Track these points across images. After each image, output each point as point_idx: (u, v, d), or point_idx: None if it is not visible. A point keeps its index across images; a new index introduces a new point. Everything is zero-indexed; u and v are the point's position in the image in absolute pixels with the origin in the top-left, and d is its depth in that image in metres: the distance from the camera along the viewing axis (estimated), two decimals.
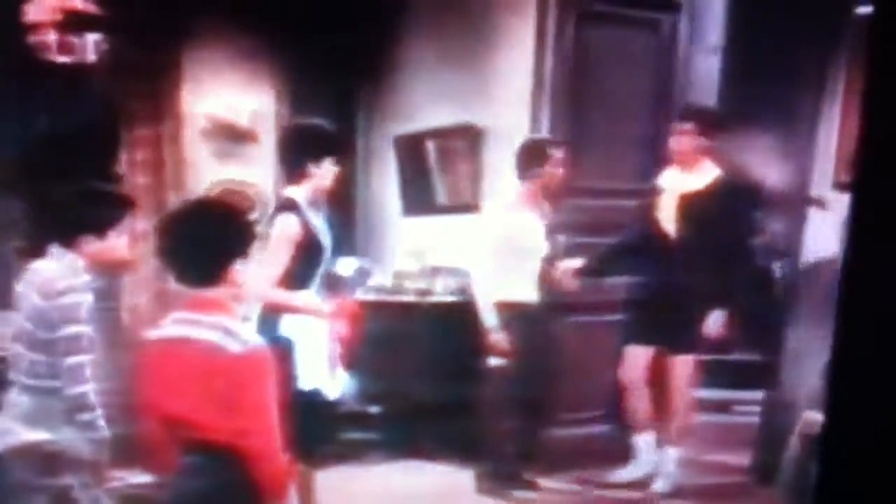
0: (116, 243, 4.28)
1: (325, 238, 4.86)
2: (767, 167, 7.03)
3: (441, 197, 7.82)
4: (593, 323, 6.58)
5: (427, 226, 7.67)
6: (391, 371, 7.02)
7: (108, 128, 6.85)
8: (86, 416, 4.06)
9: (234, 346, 3.22)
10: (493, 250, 6.02)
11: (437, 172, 7.84)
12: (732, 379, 8.07)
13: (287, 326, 4.73)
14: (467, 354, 6.33)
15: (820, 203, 6.38)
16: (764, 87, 7.16)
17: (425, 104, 7.78)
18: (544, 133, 6.80)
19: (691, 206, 5.92)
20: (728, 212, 5.89)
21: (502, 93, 7.16)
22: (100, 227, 4.25)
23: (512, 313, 6.05)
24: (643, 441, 6.31)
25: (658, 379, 6.21)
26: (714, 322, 5.99)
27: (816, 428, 5.51)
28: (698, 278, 5.89)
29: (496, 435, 6.29)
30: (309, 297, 4.82)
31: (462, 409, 6.50)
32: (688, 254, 5.93)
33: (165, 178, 7.36)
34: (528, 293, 6.11)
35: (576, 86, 6.92)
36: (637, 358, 6.24)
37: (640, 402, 6.30)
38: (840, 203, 6.17)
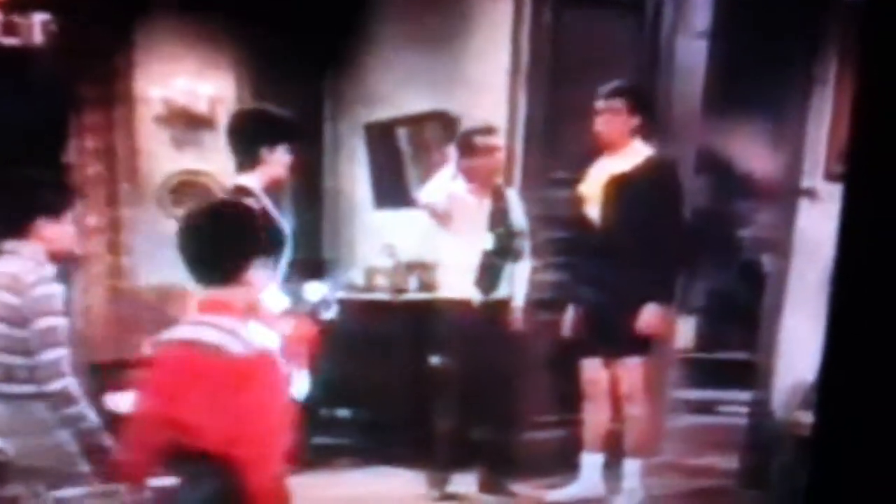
0: (71, 229, 4.31)
1: (286, 229, 4.85)
2: (756, 157, 7.05)
3: (414, 188, 7.64)
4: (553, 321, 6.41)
5: (400, 219, 7.60)
6: (362, 373, 7.01)
7: (55, 113, 6.97)
8: (72, 410, 4.15)
9: (235, 348, 3.25)
10: (432, 243, 6.14)
11: (410, 162, 7.84)
12: (718, 378, 8.08)
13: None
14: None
15: (811, 194, 6.35)
16: (752, 74, 7.20)
17: (397, 90, 7.76)
18: (521, 120, 6.87)
19: (619, 189, 5.78)
20: (660, 194, 5.77)
21: (477, 78, 7.14)
22: (56, 210, 4.27)
23: (452, 310, 6.10)
24: (588, 460, 6.11)
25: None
26: (648, 316, 5.77)
27: (808, 429, 5.58)
28: (630, 271, 5.75)
29: (438, 437, 6.29)
30: (268, 296, 4.72)
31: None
32: (617, 244, 5.78)
33: (117, 167, 7.38)
34: (469, 289, 6.11)
35: (554, 71, 6.91)
36: (594, 367, 6.05)
37: (594, 416, 6.10)
38: (832, 194, 6.17)
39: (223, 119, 7.20)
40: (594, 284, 5.85)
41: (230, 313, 3.35)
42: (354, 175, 8.27)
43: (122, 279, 7.44)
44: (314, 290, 4.89)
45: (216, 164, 7.35)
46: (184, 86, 7.46)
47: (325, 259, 8.10)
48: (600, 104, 5.88)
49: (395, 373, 7.05)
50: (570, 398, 6.22)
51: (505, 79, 6.94)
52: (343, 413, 7.24)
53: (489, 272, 6.12)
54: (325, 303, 4.90)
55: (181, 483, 3.38)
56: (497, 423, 6.31)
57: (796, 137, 6.52)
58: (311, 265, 6.94)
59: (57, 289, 4.16)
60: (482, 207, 6.16)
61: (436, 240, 6.39)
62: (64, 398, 4.13)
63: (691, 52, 7.24)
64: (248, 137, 4.92)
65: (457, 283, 6.17)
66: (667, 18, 7.18)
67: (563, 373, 6.26)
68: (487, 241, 6.11)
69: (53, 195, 4.34)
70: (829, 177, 6.29)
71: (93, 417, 4.20)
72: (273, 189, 4.88)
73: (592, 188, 5.90)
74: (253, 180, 4.83)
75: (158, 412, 3.38)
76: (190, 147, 7.60)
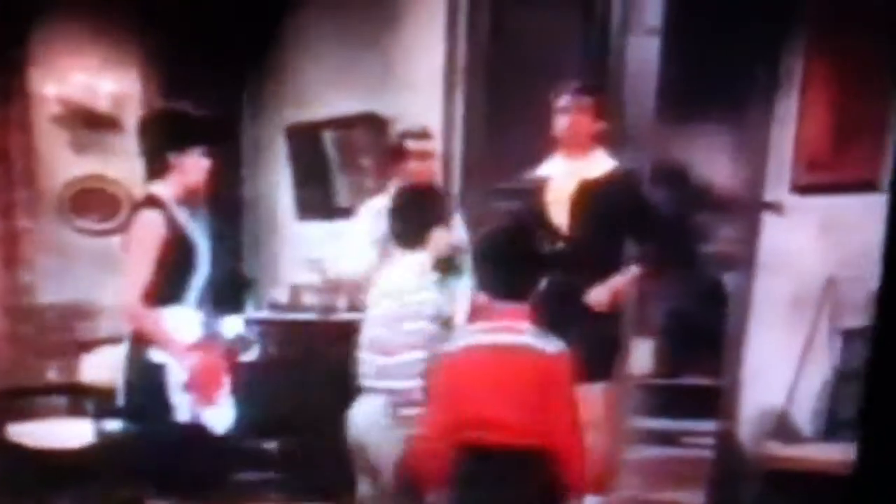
0: None
1: (202, 242, 4.71)
2: (715, 166, 6.83)
3: (342, 197, 7.58)
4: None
5: (326, 231, 7.32)
6: (289, 401, 6.76)
7: None
8: (409, 412, 4.46)
9: (549, 348, 3.80)
10: (365, 258, 5.73)
11: (337, 169, 7.65)
12: (681, 407, 7.94)
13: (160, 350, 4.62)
14: None
15: (776, 208, 6.20)
16: (710, 75, 7.01)
17: (323, 89, 7.59)
18: (459, 123, 6.72)
19: (590, 197, 5.49)
20: (631, 210, 5.50)
21: (410, 77, 7.04)
22: None
23: None
24: None
25: None
26: (598, 293, 5.44)
27: (779, 462, 5.35)
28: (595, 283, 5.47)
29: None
30: (179, 320, 4.63)
31: None
32: (585, 256, 5.47)
33: (12, 172, 7.13)
34: None
35: (494, 70, 6.78)
36: None
37: None
38: (799, 208, 6.18)
39: (129, 120, 7.19)
40: (555, 298, 5.43)
41: (523, 320, 3.88)
42: (276, 183, 8.06)
43: (20, 297, 7.20)
44: (230, 325, 4.89)
45: (123, 170, 7.23)
46: (82, 82, 7.21)
47: (246, 276, 7.93)
48: (565, 101, 5.56)
49: (325, 401, 6.49)
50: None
51: (440, 78, 6.83)
52: (269, 445, 6.96)
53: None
54: (243, 341, 4.95)
55: (485, 478, 3.80)
56: None
57: (759, 145, 6.42)
58: (231, 283, 6.85)
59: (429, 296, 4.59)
60: None
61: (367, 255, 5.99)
62: (408, 400, 4.45)
63: (643, 50, 6.99)
64: (155, 141, 4.80)
65: None
66: (616, 13, 6.96)
67: None
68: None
69: None
70: (796, 189, 6.20)
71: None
72: (188, 199, 4.74)
73: (559, 193, 5.59)
74: (164, 189, 4.69)
75: (457, 414, 3.84)
76: (92, 150, 7.35)
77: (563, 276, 5.32)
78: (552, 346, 3.80)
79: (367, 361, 4.74)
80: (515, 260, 3.98)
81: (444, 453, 3.88)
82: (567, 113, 5.51)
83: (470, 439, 3.81)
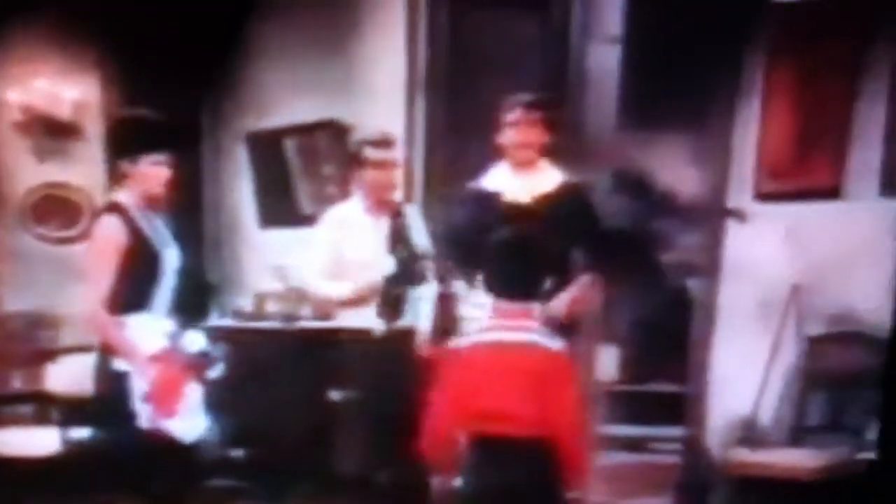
0: None
1: (166, 249, 4.66)
2: (677, 174, 6.82)
3: (304, 205, 7.51)
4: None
5: (289, 239, 7.17)
6: (255, 409, 6.75)
7: None
8: None
9: (554, 345, 3.98)
10: (326, 269, 5.70)
11: (299, 176, 7.58)
12: (648, 413, 7.92)
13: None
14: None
15: (739, 215, 6.19)
16: (671, 83, 6.99)
17: (283, 96, 7.54)
18: (420, 130, 6.70)
19: (544, 212, 5.37)
20: (580, 221, 5.41)
21: (371, 85, 7.00)
22: None
23: (352, 340, 5.72)
24: None
25: None
26: (557, 305, 5.31)
27: (746, 468, 5.33)
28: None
29: (340, 480, 6.00)
30: (143, 327, 4.56)
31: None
32: None
33: None
34: (369, 317, 5.70)
35: (454, 79, 6.75)
36: None
37: None
38: (762, 215, 6.18)
39: (90, 127, 7.21)
40: None
41: (531, 319, 4.07)
42: (238, 190, 7.97)
43: None
44: (193, 340, 4.73)
45: (84, 177, 7.21)
46: (44, 89, 7.16)
47: (210, 284, 7.83)
48: (516, 114, 5.43)
49: (290, 409, 6.77)
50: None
51: (401, 86, 6.79)
52: (236, 453, 6.89)
53: (391, 299, 5.71)
54: (207, 357, 4.76)
55: (491, 466, 3.95)
56: (405, 465, 5.70)
57: (721, 153, 6.40)
58: (194, 290, 6.52)
59: None
60: (379, 228, 5.76)
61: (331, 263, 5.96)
62: None
63: (603, 59, 7.03)
64: (116, 148, 4.81)
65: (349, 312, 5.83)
66: (575, 22, 6.95)
67: None
68: (387, 265, 5.70)
69: None
70: (760, 196, 6.20)
71: None
72: (150, 206, 4.67)
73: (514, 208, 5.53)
74: (126, 196, 4.64)
75: (465, 405, 3.98)
76: (53, 157, 7.31)
77: None
78: (557, 344, 4.00)
79: None
80: (525, 263, 4.12)
81: (453, 443, 4.07)
82: (516, 126, 5.41)
83: (477, 430, 3.97)
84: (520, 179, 5.45)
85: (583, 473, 4.06)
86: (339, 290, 5.66)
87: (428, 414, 4.13)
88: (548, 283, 4.31)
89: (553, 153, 5.56)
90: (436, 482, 4.64)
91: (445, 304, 5.80)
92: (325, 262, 5.66)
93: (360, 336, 5.64)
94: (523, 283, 4.12)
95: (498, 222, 5.51)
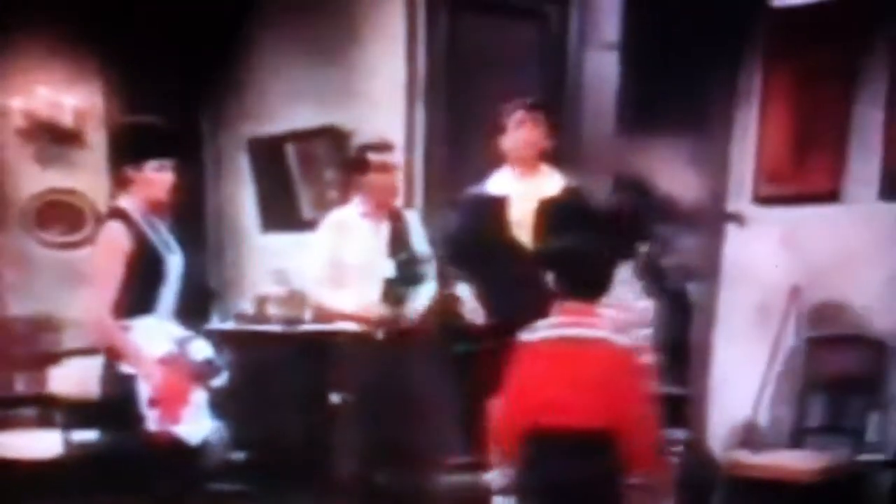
0: None
1: (170, 254, 4.62)
2: (676, 178, 6.80)
3: (305, 209, 7.47)
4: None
5: (291, 243, 7.16)
6: (256, 412, 6.70)
7: None
8: None
9: (622, 340, 4.12)
10: (325, 274, 5.68)
11: (300, 181, 7.54)
12: None
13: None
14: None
15: (738, 218, 6.20)
16: (669, 88, 6.93)
17: (284, 103, 7.50)
18: (420, 136, 6.65)
19: (550, 216, 5.40)
20: (583, 223, 5.33)
21: (371, 91, 6.96)
22: None
23: (350, 344, 5.68)
24: None
25: None
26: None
27: (746, 469, 5.59)
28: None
29: (341, 482, 5.91)
30: (149, 331, 4.51)
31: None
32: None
33: None
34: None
35: (453, 83, 6.72)
36: None
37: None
38: (761, 218, 6.17)
39: (92, 134, 7.19)
40: (520, 313, 5.40)
41: (596, 317, 4.20)
42: (239, 195, 7.94)
43: None
44: (199, 348, 4.66)
45: (87, 183, 7.19)
46: (47, 96, 7.14)
47: (212, 288, 7.82)
48: (519, 115, 5.45)
49: (291, 411, 6.77)
50: (484, 438, 5.62)
51: (401, 92, 6.75)
52: (237, 456, 6.81)
53: (392, 302, 5.68)
54: (211, 366, 4.69)
55: (554, 457, 4.05)
56: (405, 467, 5.86)
57: (720, 157, 6.42)
58: (197, 294, 6.59)
59: None
60: (378, 232, 5.73)
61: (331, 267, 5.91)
62: None
63: (601, 65, 7.04)
64: (118, 154, 4.79)
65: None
66: (573, 28, 7.00)
67: (479, 410, 5.84)
68: (388, 269, 5.68)
69: None
70: (758, 200, 6.20)
71: None
72: (153, 211, 4.64)
73: (521, 214, 5.50)
74: (129, 202, 4.59)
75: (533, 397, 4.10)
76: (56, 164, 7.28)
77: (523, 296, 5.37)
78: (625, 340, 4.17)
79: None
80: (593, 265, 4.29)
81: (517, 434, 4.16)
82: (521, 128, 5.44)
83: (543, 421, 4.08)
84: (523, 184, 5.47)
85: (648, 461, 4.12)
86: (340, 301, 5.65)
87: (496, 406, 4.28)
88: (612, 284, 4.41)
89: (552, 158, 5.55)
90: (491, 476, 4.48)
91: (447, 303, 5.86)
92: (325, 266, 5.64)
93: (360, 339, 5.61)
94: (591, 284, 4.27)
95: (500, 226, 5.60)
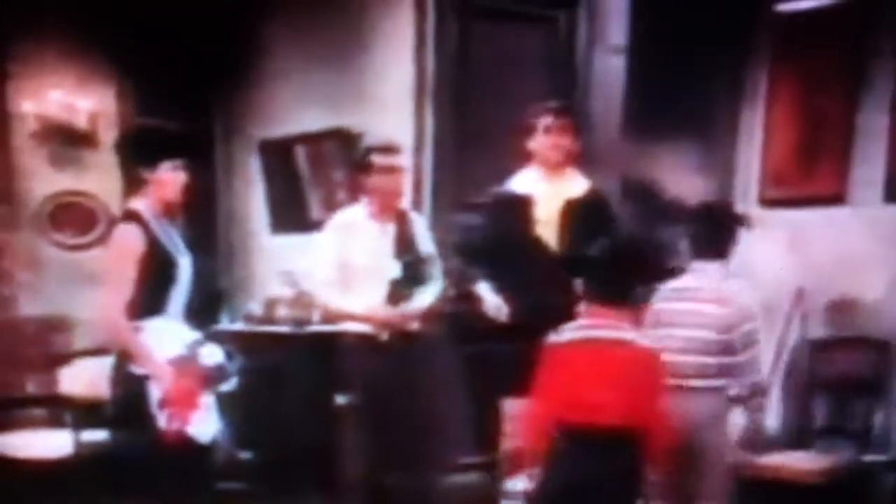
0: None
1: (181, 256, 4.66)
2: (683, 181, 6.78)
3: (314, 211, 7.44)
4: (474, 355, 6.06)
5: (300, 244, 7.02)
6: (264, 412, 6.68)
7: None
8: (758, 401, 5.01)
9: (643, 342, 4.32)
10: (332, 275, 5.67)
11: (309, 183, 7.51)
12: None
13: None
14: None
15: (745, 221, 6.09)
16: (675, 92, 6.91)
17: (294, 106, 7.48)
18: (429, 140, 6.62)
19: (575, 216, 5.48)
20: (604, 227, 5.36)
21: (381, 95, 6.93)
22: None
23: (356, 345, 5.67)
24: None
25: None
26: None
27: (751, 470, 5.57)
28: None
29: (348, 483, 5.96)
30: (161, 332, 4.53)
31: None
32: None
33: None
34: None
35: (462, 87, 6.70)
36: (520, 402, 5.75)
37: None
38: (767, 221, 6.10)
39: (105, 136, 7.10)
40: (543, 312, 5.37)
41: (624, 320, 4.36)
42: (249, 197, 7.92)
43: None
44: (209, 353, 4.67)
45: (99, 185, 7.16)
46: (61, 100, 7.11)
47: (221, 289, 7.81)
48: (549, 120, 5.50)
49: (299, 412, 6.72)
50: (494, 438, 5.72)
51: (410, 96, 6.72)
52: (244, 455, 6.84)
53: (398, 302, 5.70)
54: (222, 371, 4.71)
55: (581, 454, 4.21)
56: (412, 467, 5.84)
57: (726, 160, 6.46)
58: (207, 296, 6.66)
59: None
60: (384, 233, 5.74)
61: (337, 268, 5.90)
62: (757, 390, 4.96)
63: (608, 68, 7.02)
64: (127, 157, 4.79)
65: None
66: (581, 32, 6.99)
67: (486, 410, 5.79)
68: (395, 270, 5.70)
69: None
70: (764, 202, 6.22)
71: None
72: (165, 213, 4.68)
73: (547, 213, 5.53)
74: (142, 204, 4.62)
75: (562, 396, 4.25)
76: (69, 166, 7.24)
77: (545, 295, 5.32)
78: (647, 340, 4.36)
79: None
80: (619, 271, 4.42)
81: (546, 433, 4.33)
82: (550, 132, 5.48)
83: (571, 420, 4.23)
84: (549, 184, 5.51)
85: (664, 458, 4.32)
86: (347, 303, 5.65)
87: (528, 405, 4.41)
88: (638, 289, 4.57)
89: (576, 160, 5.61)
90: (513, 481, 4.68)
91: (466, 303, 5.83)
92: (331, 267, 5.64)
93: (368, 341, 5.62)
94: (618, 289, 4.40)
95: (526, 225, 5.60)
